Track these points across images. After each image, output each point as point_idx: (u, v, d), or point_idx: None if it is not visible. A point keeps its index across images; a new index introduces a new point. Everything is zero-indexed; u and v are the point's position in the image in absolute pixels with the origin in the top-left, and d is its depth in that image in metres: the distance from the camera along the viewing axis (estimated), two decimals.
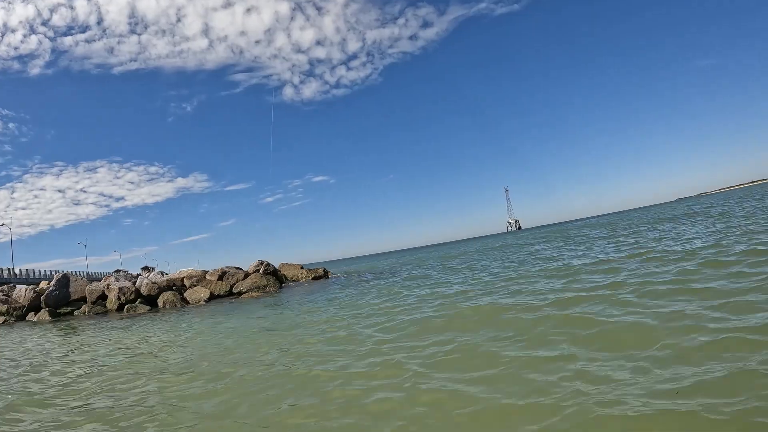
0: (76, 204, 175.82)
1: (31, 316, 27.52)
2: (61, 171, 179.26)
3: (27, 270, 58.48)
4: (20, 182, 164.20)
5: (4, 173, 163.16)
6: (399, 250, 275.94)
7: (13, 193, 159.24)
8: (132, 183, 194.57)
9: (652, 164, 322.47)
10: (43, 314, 26.48)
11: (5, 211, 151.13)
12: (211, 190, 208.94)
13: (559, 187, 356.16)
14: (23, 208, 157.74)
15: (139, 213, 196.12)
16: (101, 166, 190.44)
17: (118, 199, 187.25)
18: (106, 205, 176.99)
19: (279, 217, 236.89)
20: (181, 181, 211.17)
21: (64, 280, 29.12)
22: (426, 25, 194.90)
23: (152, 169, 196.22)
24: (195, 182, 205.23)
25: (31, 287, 29.73)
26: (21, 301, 28.44)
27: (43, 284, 31.20)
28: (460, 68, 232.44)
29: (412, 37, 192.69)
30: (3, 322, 27.14)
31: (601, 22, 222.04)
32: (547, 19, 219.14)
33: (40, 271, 60.88)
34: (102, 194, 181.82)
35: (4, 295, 29.44)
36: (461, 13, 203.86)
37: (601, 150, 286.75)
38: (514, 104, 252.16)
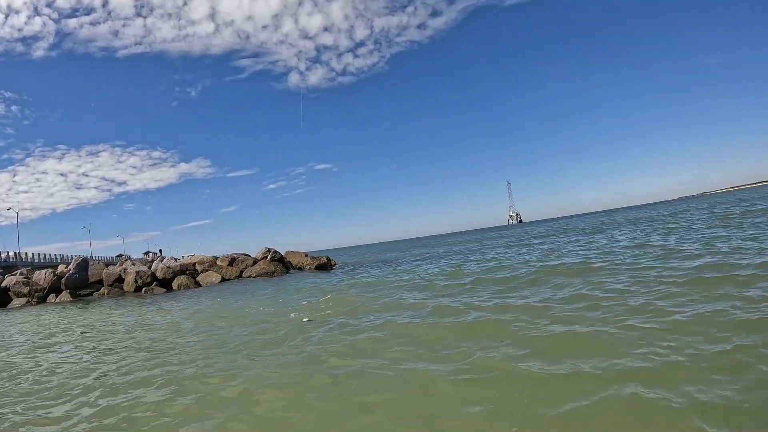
0: (78, 188, 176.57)
1: (51, 298, 28.96)
2: (63, 154, 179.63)
3: (31, 254, 59.59)
4: (22, 165, 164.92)
5: (5, 156, 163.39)
6: (399, 240, 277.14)
7: (15, 176, 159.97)
8: (134, 168, 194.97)
9: (657, 162, 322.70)
10: (65, 295, 27.92)
11: (7, 194, 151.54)
12: (213, 176, 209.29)
13: (563, 182, 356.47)
14: (25, 192, 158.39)
15: (141, 198, 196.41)
16: (104, 150, 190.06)
17: (120, 184, 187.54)
18: (108, 190, 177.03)
19: (281, 205, 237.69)
20: (183, 167, 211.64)
21: (84, 263, 30.58)
22: (435, 13, 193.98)
23: (155, 153, 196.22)
24: (198, 168, 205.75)
25: (50, 270, 31.14)
26: (41, 283, 29.84)
27: (61, 268, 32.61)
28: (467, 59, 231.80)
29: (421, 26, 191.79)
30: (26, 303, 28.59)
31: (610, 16, 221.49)
32: (556, 11, 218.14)
33: (43, 254, 61.86)
34: (104, 178, 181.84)
35: (24, 278, 30.86)
36: (471, 2, 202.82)
37: (605, 146, 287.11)
38: (521, 97, 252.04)
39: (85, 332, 13.11)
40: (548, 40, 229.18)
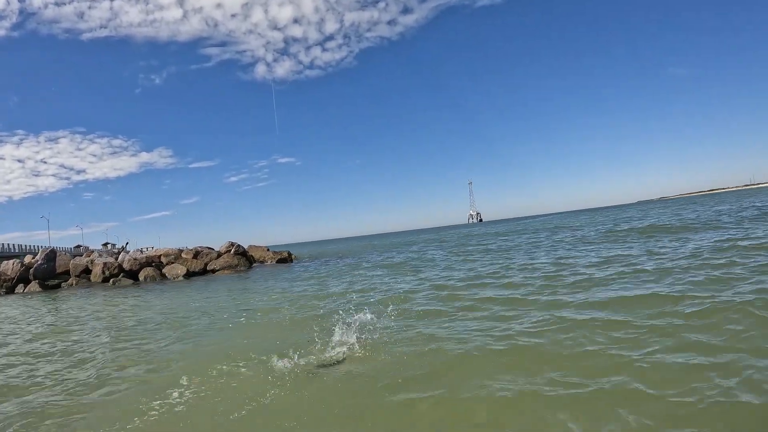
0: (36, 175, 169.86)
1: (20, 288, 30.07)
2: (21, 140, 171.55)
3: None
4: None
5: None
6: (359, 236, 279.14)
7: None
8: (94, 156, 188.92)
9: (618, 165, 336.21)
10: (34, 286, 29.13)
11: None
12: (175, 167, 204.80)
13: (525, 183, 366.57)
14: None
15: (101, 187, 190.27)
16: (63, 137, 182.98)
17: (79, 172, 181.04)
18: (67, 178, 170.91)
19: (243, 198, 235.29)
20: (145, 156, 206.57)
21: (51, 254, 31.74)
22: (406, 10, 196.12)
23: (116, 142, 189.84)
24: (159, 158, 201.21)
25: (17, 261, 32.11)
26: (9, 273, 30.86)
27: (28, 258, 33.55)
28: (437, 57, 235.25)
29: (391, 22, 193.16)
30: None
31: (579, 21, 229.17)
32: (527, 15, 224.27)
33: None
34: (63, 166, 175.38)
35: None
36: (443, 1, 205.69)
37: (569, 148, 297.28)
38: (487, 97, 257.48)
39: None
40: (517, 43, 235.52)
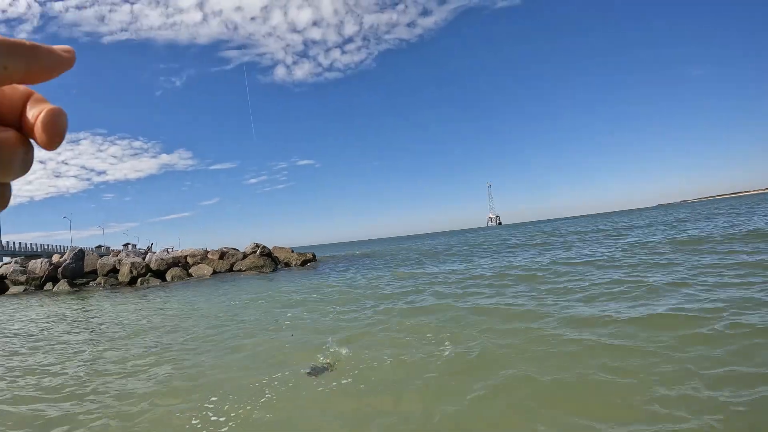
0: (57, 176, 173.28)
1: (48, 286, 29.97)
2: None
3: (12, 243, 59.51)
4: None
5: None
6: (380, 239, 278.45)
7: None
8: (115, 157, 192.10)
9: (639, 169, 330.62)
10: (63, 284, 28.97)
11: None
12: (195, 168, 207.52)
13: (545, 186, 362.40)
14: None
15: (121, 188, 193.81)
16: (84, 138, 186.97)
17: (99, 173, 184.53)
18: (88, 179, 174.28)
19: (262, 199, 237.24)
20: (165, 158, 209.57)
21: (80, 254, 31.63)
22: (425, 12, 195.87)
23: (136, 143, 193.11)
24: (179, 159, 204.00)
25: (45, 260, 32.07)
26: (38, 272, 30.81)
27: (55, 257, 33.51)
28: (456, 59, 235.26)
29: (410, 24, 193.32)
30: (23, 291, 29.56)
31: (600, 23, 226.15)
32: (547, 16, 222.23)
33: (23, 244, 61.71)
34: (84, 167, 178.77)
35: (21, 266, 31.76)
36: (462, 3, 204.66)
37: (590, 150, 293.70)
38: (507, 99, 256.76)
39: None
40: (537, 44, 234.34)
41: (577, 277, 12.43)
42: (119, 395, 5.96)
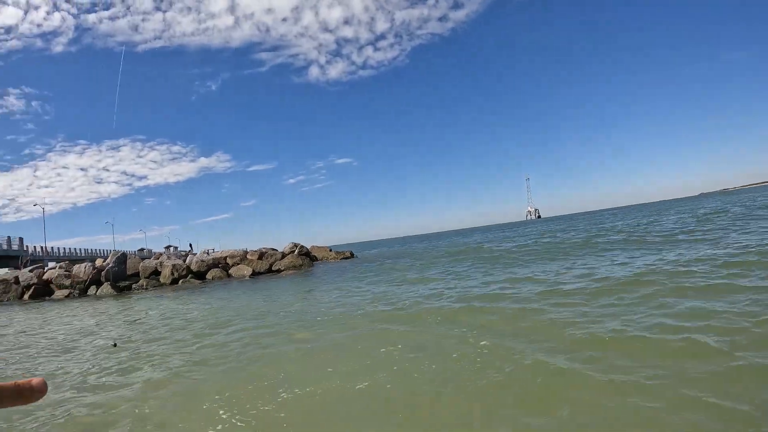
0: (99, 182, 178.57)
1: (92, 290, 30.06)
2: (84, 149, 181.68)
3: (57, 248, 61.70)
4: (43, 160, 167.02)
5: (27, 151, 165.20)
6: (417, 236, 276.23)
7: (36, 171, 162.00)
8: (155, 162, 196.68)
9: (679, 159, 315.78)
10: (106, 287, 28.95)
11: (28, 189, 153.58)
12: (233, 170, 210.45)
13: (584, 178, 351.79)
14: (46, 186, 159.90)
15: (161, 192, 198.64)
16: (124, 145, 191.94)
17: (140, 178, 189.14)
18: (129, 184, 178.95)
19: (300, 199, 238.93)
20: (203, 161, 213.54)
21: (122, 257, 31.68)
22: (456, 6, 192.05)
23: (175, 148, 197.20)
24: (218, 162, 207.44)
25: (89, 264, 32.26)
26: (82, 276, 30.97)
27: (98, 261, 33.74)
28: (489, 51, 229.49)
29: (442, 18, 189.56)
30: (68, 295, 29.74)
31: (636, 10, 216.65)
32: (580, 3, 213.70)
33: (66, 248, 64.09)
34: (124, 173, 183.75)
35: (65, 270, 32.06)
36: None
37: (629, 141, 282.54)
38: (543, 90, 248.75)
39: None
40: (572, 33, 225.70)
41: None
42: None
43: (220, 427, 4.87)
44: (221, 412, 5.27)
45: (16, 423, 5.45)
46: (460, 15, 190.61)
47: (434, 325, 8.61)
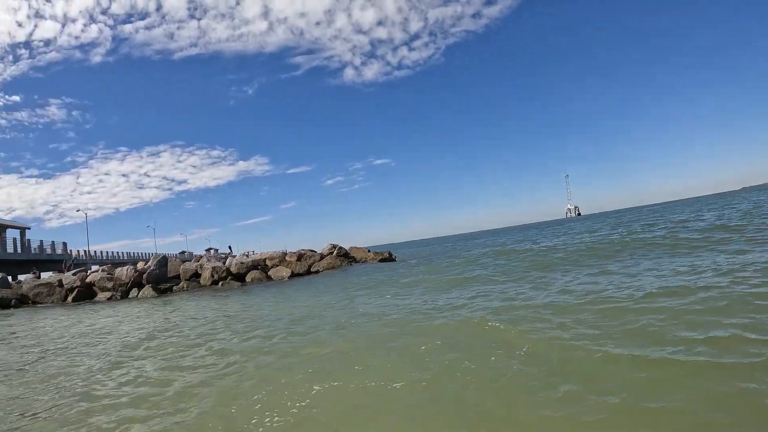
0: (140, 188, 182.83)
1: (134, 293, 30.03)
2: (124, 156, 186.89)
3: (100, 251, 63.41)
4: (85, 168, 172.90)
5: (69, 159, 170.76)
6: (457, 235, 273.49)
7: (78, 178, 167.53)
8: (194, 167, 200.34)
9: (723, 151, 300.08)
10: (148, 290, 28.81)
11: (71, 195, 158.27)
12: (272, 173, 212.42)
13: (625, 172, 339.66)
14: (89, 193, 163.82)
15: (201, 196, 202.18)
16: (164, 151, 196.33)
17: (180, 183, 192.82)
18: (169, 189, 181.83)
19: (340, 200, 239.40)
20: (242, 165, 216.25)
21: (163, 260, 31.63)
22: (489, 1, 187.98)
23: (214, 152, 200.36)
24: (256, 165, 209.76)
25: (130, 267, 32.31)
26: (124, 278, 30.99)
27: (140, 264, 33.81)
28: (525, 47, 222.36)
29: (476, 15, 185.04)
30: (110, 297, 29.78)
31: (682, 3, 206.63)
32: None
33: (108, 252, 65.89)
34: (165, 178, 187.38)
35: (107, 273, 32.20)
36: None
37: (670, 134, 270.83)
38: (580, 84, 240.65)
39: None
40: (610, 24, 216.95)
41: None
42: None
43: (255, 419, 4.86)
44: (257, 406, 5.26)
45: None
46: (493, 11, 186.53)
47: (481, 330, 7.48)
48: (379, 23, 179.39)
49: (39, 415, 5.77)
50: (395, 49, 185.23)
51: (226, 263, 31.30)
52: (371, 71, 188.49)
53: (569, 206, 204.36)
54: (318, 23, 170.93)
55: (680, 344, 5.60)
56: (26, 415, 5.85)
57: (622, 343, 5.93)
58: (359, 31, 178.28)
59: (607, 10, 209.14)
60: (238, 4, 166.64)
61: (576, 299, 9.27)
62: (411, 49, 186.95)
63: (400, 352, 6.85)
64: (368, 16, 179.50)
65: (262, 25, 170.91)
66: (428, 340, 7.25)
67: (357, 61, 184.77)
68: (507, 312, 8.88)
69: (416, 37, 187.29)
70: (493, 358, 5.93)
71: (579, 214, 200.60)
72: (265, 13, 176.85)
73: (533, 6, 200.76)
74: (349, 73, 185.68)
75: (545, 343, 6.29)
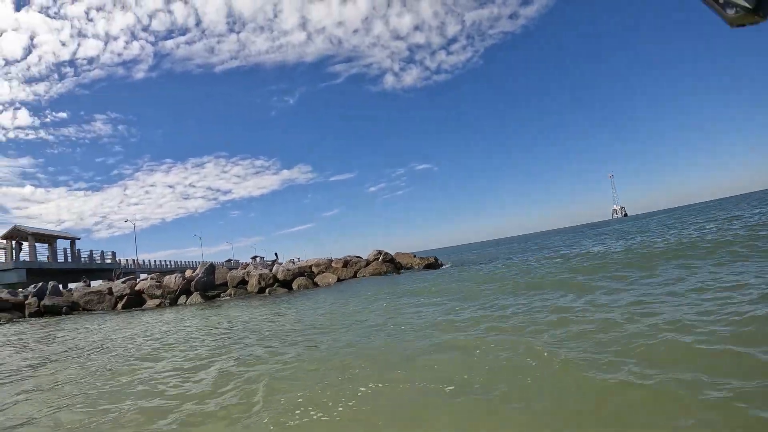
0: (186, 198, 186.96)
1: (182, 300, 29.96)
2: (170, 168, 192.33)
3: (147, 260, 65.12)
4: (132, 180, 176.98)
5: (116, 172, 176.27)
6: (501, 239, 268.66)
7: (125, 189, 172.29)
8: (238, 177, 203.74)
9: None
10: (196, 297, 28.67)
11: (119, 206, 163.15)
12: (315, 181, 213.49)
13: (672, 172, 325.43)
14: (136, 204, 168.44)
15: (246, 205, 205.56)
16: (208, 162, 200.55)
17: (225, 193, 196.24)
18: (214, 199, 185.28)
19: (383, 206, 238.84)
20: (286, 173, 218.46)
21: (210, 268, 31.50)
22: (525, 2, 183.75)
23: (258, 162, 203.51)
24: (299, 174, 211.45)
25: (178, 275, 32.35)
26: (172, 286, 31.01)
27: (188, 272, 33.85)
28: (563, 46, 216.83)
29: (512, 16, 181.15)
30: (159, 304, 29.81)
31: None
32: None
33: (155, 261, 67.59)
34: (210, 188, 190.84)
35: (156, 281, 32.34)
36: None
37: (716, 130, 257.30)
38: (622, 81, 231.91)
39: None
40: (651, 20, 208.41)
41: None
42: None
43: (299, 411, 5.10)
44: (300, 400, 5.51)
45: None
46: (530, 11, 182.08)
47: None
48: (416, 28, 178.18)
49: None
50: (433, 53, 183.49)
51: (273, 270, 30.88)
52: (410, 77, 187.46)
53: (615, 207, 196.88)
54: (356, 31, 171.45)
55: None
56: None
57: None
58: (397, 37, 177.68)
59: (648, 5, 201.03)
60: (276, 16, 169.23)
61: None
62: (449, 53, 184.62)
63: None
64: (405, 22, 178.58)
65: (301, 36, 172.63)
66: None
67: (396, 67, 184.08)
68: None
69: (454, 40, 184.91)
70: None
71: (626, 215, 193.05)
72: (303, 24, 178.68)
73: (569, 4, 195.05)
74: (389, 80, 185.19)
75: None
